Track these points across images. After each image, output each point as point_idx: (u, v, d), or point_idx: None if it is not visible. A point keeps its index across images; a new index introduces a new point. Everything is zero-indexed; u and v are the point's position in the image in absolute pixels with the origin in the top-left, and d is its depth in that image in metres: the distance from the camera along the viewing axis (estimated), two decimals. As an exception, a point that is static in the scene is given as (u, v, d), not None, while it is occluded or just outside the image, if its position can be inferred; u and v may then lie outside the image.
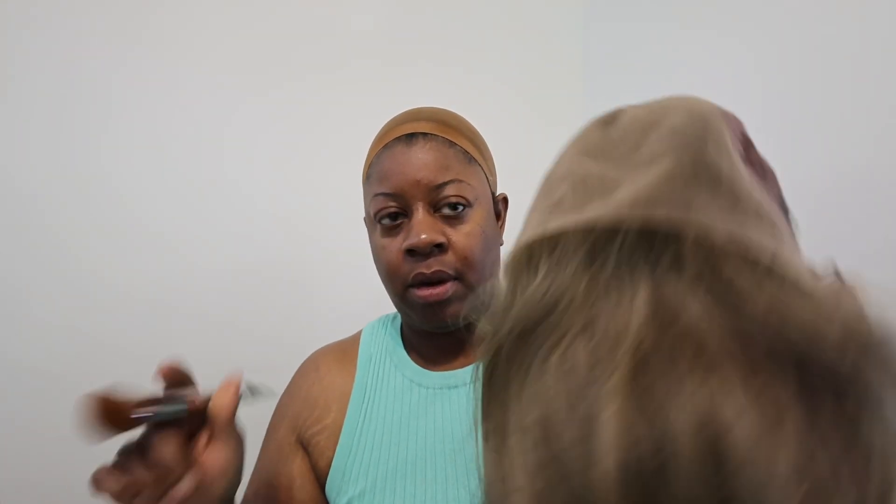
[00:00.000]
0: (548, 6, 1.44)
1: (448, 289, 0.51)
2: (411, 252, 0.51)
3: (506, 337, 0.27)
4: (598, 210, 0.27)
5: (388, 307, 0.63)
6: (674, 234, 0.25)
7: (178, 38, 1.01)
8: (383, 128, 0.58)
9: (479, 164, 0.56)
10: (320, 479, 0.55)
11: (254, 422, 0.59)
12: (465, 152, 0.55)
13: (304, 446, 0.57)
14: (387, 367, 0.58)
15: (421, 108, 0.58)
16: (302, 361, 0.63)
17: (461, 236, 0.52)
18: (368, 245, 0.58)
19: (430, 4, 1.26)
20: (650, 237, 0.26)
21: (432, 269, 0.50)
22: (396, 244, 0.52)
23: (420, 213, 0.51)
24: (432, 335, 0.57)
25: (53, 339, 0.91)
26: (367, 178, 0.56)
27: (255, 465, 0.58)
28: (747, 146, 0.32)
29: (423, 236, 0.50)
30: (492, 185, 0.58)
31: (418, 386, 0.56)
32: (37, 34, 0.91)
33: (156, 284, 0.98)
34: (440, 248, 0.51)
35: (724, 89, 1.11)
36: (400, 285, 0.52)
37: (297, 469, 0.56)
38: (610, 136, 0.33)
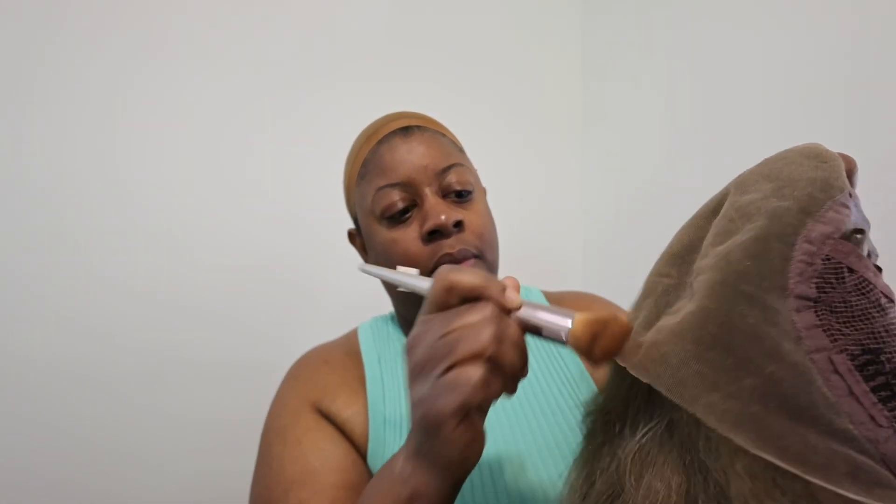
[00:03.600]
0: (546, 8, 1.44)
1: (472, 265, 0.51)
2: (432, 235, 0.50)
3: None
4: (629, 346, 0.31)
5: (389, 306, 0.64)
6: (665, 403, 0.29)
7: (187, 41, 1.01)
8: (367, 130, 0.58)
9: (466, 157, 0.58)
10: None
11: (269, 403, 0.58)
12: (455, 143, 0.57)
13: (339, 427, 0.52)
14: (400, 365, 0.57)
15: (397, 112, 0.59)
16: (290, 370, 0.59)
17: (474, 216, 0.53)
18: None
19: (431, 6, 1.27)
20: (654, 395, 0.30)
21: (457, 248, 0.50)
22: (411, 234, 0.51)
23: (431, 198, 0.51)
24: None
25: (57, 335, 0.91)
26: (362, 176, 0.55)
27: (271, 471, 0.51)
28: (855, 265, 0.28)
29: (443, 217, 0.50)
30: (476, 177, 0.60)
31: None
32: (47, 36, 0.91)
33: (159, 282, 0.99)
34: (458, 227, 0.51)
35: (724, 89, 1.11)
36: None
37: (337, 440, 0.51)
38: (703, 238, 0.33)
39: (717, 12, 1.12)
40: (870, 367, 0.25)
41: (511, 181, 1.31)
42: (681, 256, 0.33)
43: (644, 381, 0.29)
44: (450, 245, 0.50)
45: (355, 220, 0.59)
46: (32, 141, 0.90)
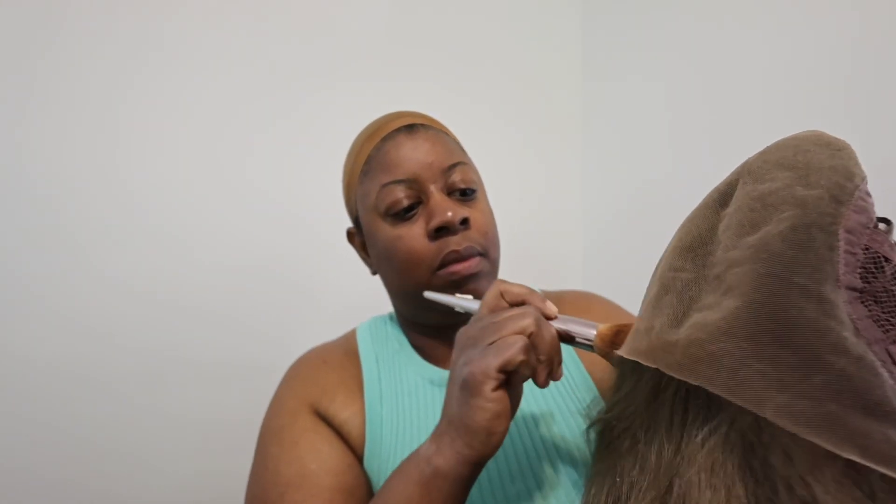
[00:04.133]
0: (546, 8, 1.44)
1: (478, 262, 0.51)
2: (439, 232, 0.51)
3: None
4: (658, 346, 0.30)
5: (389, 306, 0.64)
6: (721, 406, 0.27)
7: (190, 45, 1.01)
8: (368, 128, 0.58)
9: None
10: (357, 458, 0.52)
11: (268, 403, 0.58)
12: (457, 142, 0.58)
13: (337, 429, 0.52)
14: (398, 366, 0.57)
15: (399, 110, 0.59)
16: (289, 370, 0.59)
17: (479, 214, 0.53)
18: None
19: (430, 6, 1.27)
20: (702, 398, 0.28)
21: (463, 245, 0.51)
22: (416, 230, 0.51)
23: (437, 195, 0.51)
24: (437, 331, 0.56)
25: (57, 335, 0.91)
26: (364, 173, 0.54)
27: (267, 473, 0.51)
28: (879, 260, 0.27)
29: (449, 214, 0.50)
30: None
31: (431, 384, 0.55)
32: (46, 36, 0.91)
33: (159, 282, 0.99)
34: (465, 224, 0.51)
35: (724, 88, 1.11)
36: (426, 271, 0.51)
37: (334, 442, 0.51)
38: (714, 228, 0.32)
39: (718, 11, 1.12)
40: None
41: (511, 181, 1.31)
42: (692, 249, 0.32)
43: (693, 382, 0.27)
44: (456, 242, 0.50)
45: (356, 219, 0.58)
46: (32, 141, 0.90)
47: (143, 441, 0.97)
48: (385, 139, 0.54)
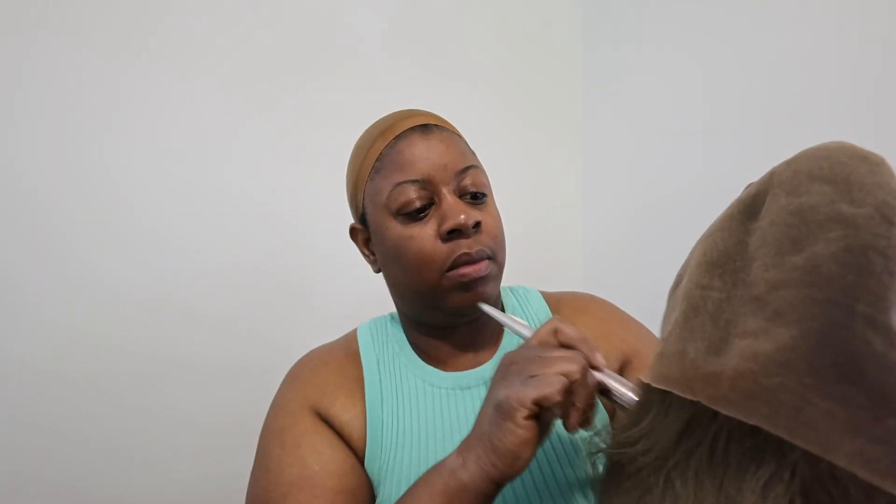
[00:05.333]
0: (546, 8, 1.43)
1: (487, 266, 0.52)
2: (451, 234, 0.51)
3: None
4: (697, 376, 0.27)
5: (389, 307, 0.63)
6: (779, 448, 0.24)
7: (177, 42, 1.01)
8: (379, 125, 0.57)
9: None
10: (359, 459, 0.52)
11: (262, 403, 0.58)
12: (468, 145, 0.57)
13: (338, 431, 0.53)
14: (398, 368, 0.57)
15: (410, 109, 0.58)
16: (289, 372, 0.59)
17: (489, 218, 0.54)
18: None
19: (429, 7, 1.26)
20: (753, 437, 0.26)
21: (475, 248, 0.51)
22: (428, 231, 0.51)
23: (451, 197, 0.52)
24: (440, 331, 0.56)
25: (55, 337, 0.91)
26: (377, 171, 0.54)
27: (269, 474, 0.50)
28: None
29: (462, 217, 0.50)
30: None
31: (432, 386, 0.55)
32: (33, 37, 0.90)
33: (157, 284, 0.98)
34: (477, 227, 0.52)
35: (725, 88, 1.11)
36: (437, 272, 0.51)
37: (336, 444, 0.51)
38: (743, 243, 0.30)
39: (719, 10, 1.12)
40: None
41: (511, 182, 1.31)
42: (720, 265, 0.30)
43: (747, 421, 0.25)
44: (468, 245, 0.51)
45: (362, 216, 0.58)
46: (21, 144, 0.90)
47: (141, 443, 0.96)
48: (399, 137, 0.53)
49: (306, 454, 0.49)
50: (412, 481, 0.45)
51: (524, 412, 0.37)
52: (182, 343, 1.00)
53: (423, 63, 1.24)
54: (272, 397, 0.58)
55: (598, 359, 0.40)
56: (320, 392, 0.54)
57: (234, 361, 1.04)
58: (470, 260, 0.51)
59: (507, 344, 0.58)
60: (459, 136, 0.58)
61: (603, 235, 1.43)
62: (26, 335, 0.89)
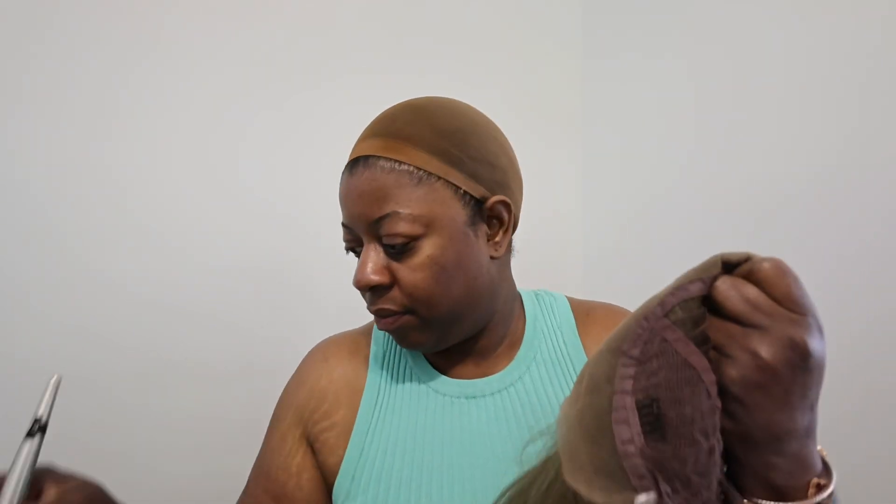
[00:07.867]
0: (546, 7, 1.43)
1: (395, 321, 0.49)
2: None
3: None
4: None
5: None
6: None
7: (184, 42, 1.01)
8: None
9: (442, 178, 0.48)
10: (328, 478, 0.53)
11: (262, 403, 0.59)
12: (417, 170, 0.48)
13: (311, 442, 0.54)
14: (402, 368, 0.56)
15: (385, 112, 0.53)
16: (302, 359, 0.61)
17: (407, 272, 0.48)
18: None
19: (429, 3, 1.26)
20: None
21: (376, 307, 0.50)
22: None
23: (366, 250, 0.49)
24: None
25: (56, 337, 0.91)
26: None
27: (259, 452, 0.56)
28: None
29: (356, 280, 0.49)
30: (474, 192, 0.50)
31: (435, 392, 0.54)
32: (36, 36, 0.90)
33: (157, 283, 0.98)
34: (377, 290, 0.49)
35: (724, 88, 1.11)
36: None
37: (298, 464, 0.54)
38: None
39: (718, 12, 1.12)
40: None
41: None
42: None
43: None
44: (371, 301, 0.50)
45: None
46: (22, 143, 0.90)
47: (140, 443, 0.97)
48: (344, 170, 0.52)
49: (281, 454, 0.55)
50: (398, 486, 0.47)
51: None
52: (182, 343, 1.00)
53: (424, 65, 1.24)
54: (274, 398, 0.59)
55: None
56: (314, 399, 0.56)
57: (235, 361, 1.04)
58: (379, 314, 0.50)
59: (523, 356, 0.55)
60: (399, 162, 0.48)
61: (602, 237, 1.43)
62: (26, 335, 0.89)
